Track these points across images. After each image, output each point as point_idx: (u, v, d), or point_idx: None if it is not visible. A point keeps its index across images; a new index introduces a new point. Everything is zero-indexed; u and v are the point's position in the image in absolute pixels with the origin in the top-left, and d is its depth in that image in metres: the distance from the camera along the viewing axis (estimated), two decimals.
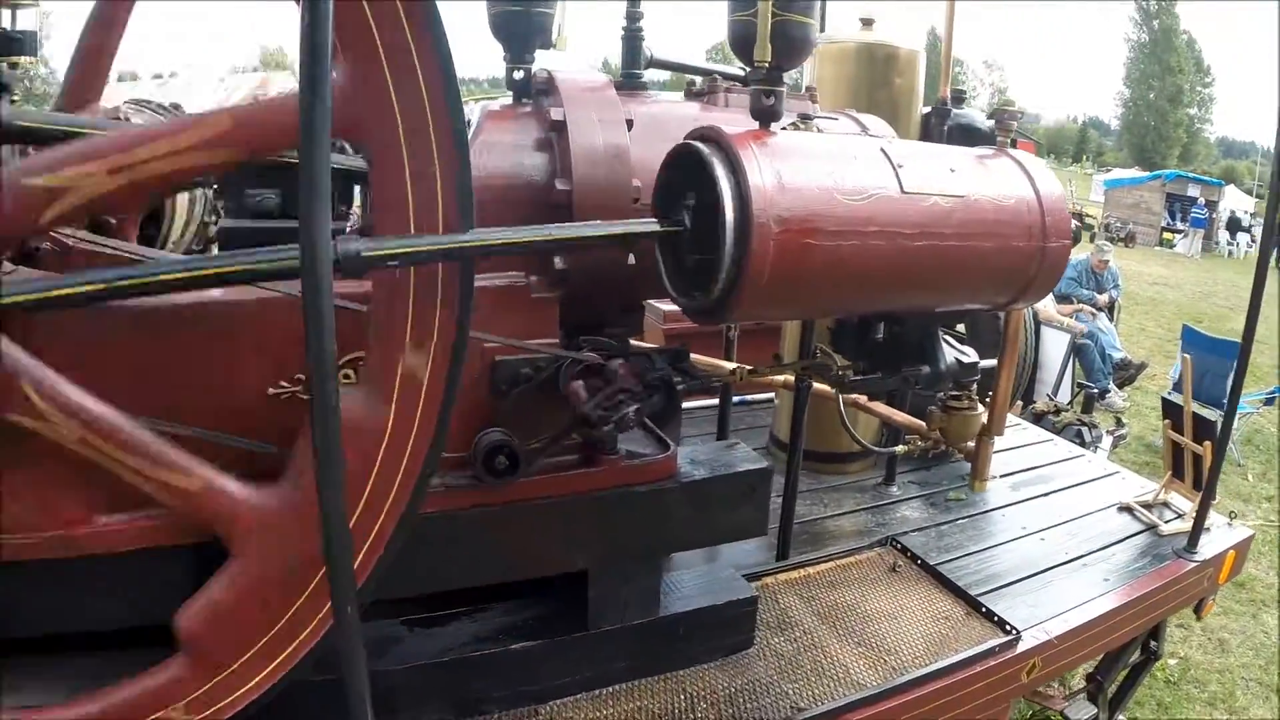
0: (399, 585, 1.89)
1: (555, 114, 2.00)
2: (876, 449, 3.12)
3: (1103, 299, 10.68)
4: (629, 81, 2.35)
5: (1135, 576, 3.46)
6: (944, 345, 2.23)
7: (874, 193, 1.61)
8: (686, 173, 1.70)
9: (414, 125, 1.42)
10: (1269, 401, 8.22)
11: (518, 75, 2.21)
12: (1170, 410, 3.94)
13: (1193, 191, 34.10)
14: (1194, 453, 3.82)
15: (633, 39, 2.34)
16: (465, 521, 2.02)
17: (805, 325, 2.85)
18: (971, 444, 2.62)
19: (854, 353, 2.31)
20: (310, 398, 1.17)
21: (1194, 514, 3.70)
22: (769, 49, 1.60)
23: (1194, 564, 3.57)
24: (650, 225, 1.72)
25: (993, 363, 2.44)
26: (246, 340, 1.72)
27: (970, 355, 2.29)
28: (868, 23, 3.62)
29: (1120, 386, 9.83)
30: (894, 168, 1.66)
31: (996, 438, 2.64)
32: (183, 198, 3.99)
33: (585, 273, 2.03)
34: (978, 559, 3.52)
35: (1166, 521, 3.87)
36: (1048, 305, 9.09)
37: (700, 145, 1.61)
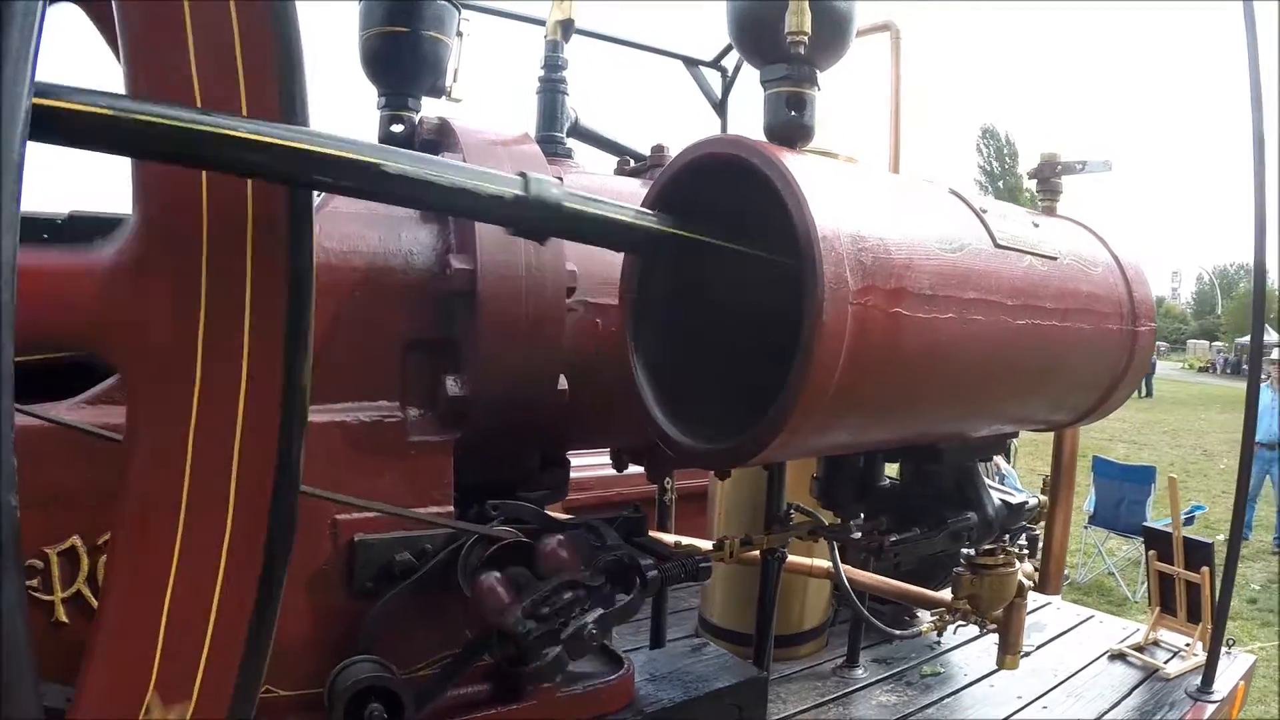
0: None
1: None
2: (895, 631, 2.42)
3: None
4: (547, 147, 1.77)
5: None
6: (985, 484, 1.65)
7: (965, 244, 1.03)
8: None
9: None
10: (1188, 521, 8.17)
11: (396, 128, 1.57)
12: (1154, 540, 3.51)
13: None
14: (1187, 582, 3.40)
15: (552, 92, 1.77)
16: None
17: (773, 476, 2.18)
18: (1000, 611, 2.00)
19: (856, 505, 1.68)
20: None
21: (1196, 648, 3.34)
22: (807, 17, 1.00)
23: (1214, 704, 3.15)
24: None
25: (1037, 497, 1.85)
26: None
27: (1017, 494, 1.72)
28: None
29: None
30: (976, 213, 1.10)
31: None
32: None
33: (492, 405, 1.34)
34: None
35: (1166, 662, 3.45)
36: None
37: (740, 152, 1.00)
